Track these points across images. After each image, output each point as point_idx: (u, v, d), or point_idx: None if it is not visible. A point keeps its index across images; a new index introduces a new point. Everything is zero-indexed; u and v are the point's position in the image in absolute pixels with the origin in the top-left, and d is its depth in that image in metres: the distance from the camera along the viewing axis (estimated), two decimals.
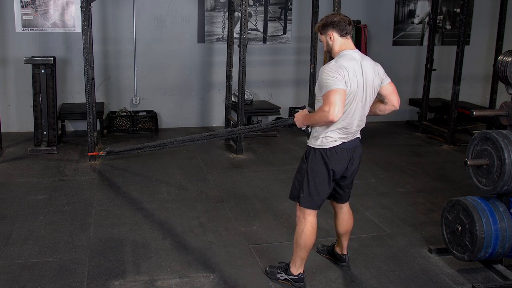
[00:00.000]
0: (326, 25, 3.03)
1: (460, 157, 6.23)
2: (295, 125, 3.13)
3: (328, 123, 2.91)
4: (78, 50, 6.65)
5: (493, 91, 7.61)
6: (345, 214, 3.41)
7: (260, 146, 6.65)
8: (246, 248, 3.81)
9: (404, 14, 8.22)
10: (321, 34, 3.09)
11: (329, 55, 3.14)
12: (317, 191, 3.12)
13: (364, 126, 3.15)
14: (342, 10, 6.38)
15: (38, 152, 6.08)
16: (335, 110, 2.79)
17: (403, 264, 3.63)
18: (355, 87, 2.93)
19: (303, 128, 3.12)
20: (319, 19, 7.08)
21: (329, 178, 3.12)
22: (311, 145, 3.12)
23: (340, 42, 3.03)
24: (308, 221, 3.17)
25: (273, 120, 3.61)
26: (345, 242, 3.51)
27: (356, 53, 3.02)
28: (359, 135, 3.17)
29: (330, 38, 3.04)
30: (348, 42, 3.05)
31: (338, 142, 3.05)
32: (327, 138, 3.04)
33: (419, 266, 3.60)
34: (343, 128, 3.03)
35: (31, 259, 3.56)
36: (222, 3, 7.50)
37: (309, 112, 3.09)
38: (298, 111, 3.22)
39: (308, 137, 3.17)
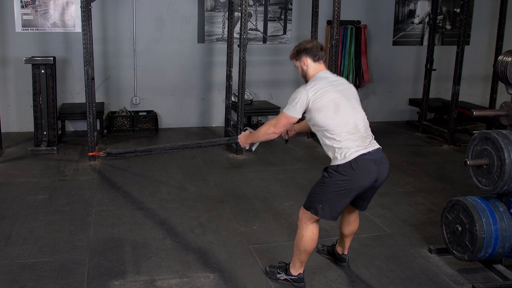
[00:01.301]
0: (300, 52, 3.20)
1: (460, 157, 6.23)
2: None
3: (270, 135, 3.20)
4: (78, 50, 6.66)
5: (493, 91, 7.61)
6: (352, 216, 3.40)
7: (260, 146, 6.59)
8: (246, 248, 3.81)
9: (404, 14, 8.22)
10: (296, 60, 3.25)
11: (304, 79, 3.27)
12: (337, 204, 3.06)
13: (370, 131, 3.14)
14: (342, 10, 6.39)
15: (38, 152, 6.08)
16: (277, 126, 3.15)
17: (403, 264, 3.63)
18: (333, 96, 3.04)
19: (247, 148, 3.44)
20: (319, 19, 7.12)
21: (352, 193, 3.04)
22: (334, 163, 3.04)
23: (313, 67, 3.19)
24: (309, 228, 3.15)
25: (227, 138, 4.26)
26: (348, 242, 3.51)
27: (328, 73, 3.21)
28: (378, 145, 3.11)
29: (304, 63, 3.20)
30: (321, 66, 3.20)
31: (359, 152, 2.98)
32: (344, 149, 2.98)
33: (419, 266, 3.60)
34: (350, 130, 3.00)
35: (31, 259, 3.56)
36: (222, 3, 7.50)
37: (250, 132, 3.41)
38: (243, 130, 3.53)
39: (250, 152, 3.47)
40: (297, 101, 3.05)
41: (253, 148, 3.46)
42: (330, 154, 3.07)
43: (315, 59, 3.17)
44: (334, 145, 3.02)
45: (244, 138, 3.42)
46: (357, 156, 2.97)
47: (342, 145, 2.99)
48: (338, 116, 3.01)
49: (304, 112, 3.11)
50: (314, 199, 3.10)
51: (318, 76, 3.15)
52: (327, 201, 3.05)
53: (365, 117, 3.14)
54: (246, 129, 3.50)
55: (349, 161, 2.97)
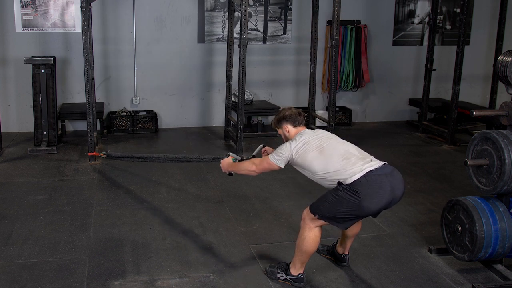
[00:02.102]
0: (280, 120, 3.38)
1: (460, 157, 6.23)
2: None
3: (251, 173, 3.35)
4: (78, 50, 6.65)
5: (493, 91, 7.61)
6: None
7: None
8: (246, 248, 3.81)
9: (404, 14, 8.22)
10: (278, 128, 3.42)
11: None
12: (346, 221, 3.08)
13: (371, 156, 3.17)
14: (342, 10, 6.38)
15: (38, 152, 6.08)
16: (258, 170, 3.30)
17: (403, 264, 3.63)
18: (316, 142, 3.16)
19: (227, 173, 3.56)
20: (319, 19, 7.12)
21: (364, 214, 3.04)
22: (344, 184, 3.02)
23: (294, 132, 3.34)
24: (312, 230, 3.15)
25: (213, 156, 4.51)
26: (349, 243, 3.52)
27: (307, 130, 3.35)
28: (384, 162, 3.11)
29: (286, 130, 3.36)
30: (301, 130, 3.34)
31: (366, 169, 2.98)
32: (349, 174, 2.98)
33: (419, 266, 3.60)
34: (344, 159, 3.03)
35: (31, 259, 3.56)
36: (222, 3, 7.50)
37: (234, 159, 3.56)
38: (225, 156, 3.63)
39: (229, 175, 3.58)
40: (282, 153, 3.19)
41: (233, 174, 3.57)
42: (328, 184, 3.12)
43: (295, 124, 3.34)
44: (339, 176, 3.01)
45: (226, 165, 3.55)
46: (365, 173, 2.97)
47: (345, 172, 2.99)
48: (325, 154, 3.09)
49: (288, 163, 3.24)
50: (322, 208, 3.08)
51: (299, 134, 3.29)
52: (335, 215, 3.05)
53: (356, 147, 3.21)
54: (229, 155, 3.61)
55: (359, 178, 2.96)
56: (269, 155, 3.28)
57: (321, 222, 3.11)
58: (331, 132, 3.40)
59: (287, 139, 3.36)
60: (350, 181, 2.97)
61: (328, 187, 3.14)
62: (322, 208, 3.08)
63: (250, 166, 3.34)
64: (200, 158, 4.78)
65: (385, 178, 2.99)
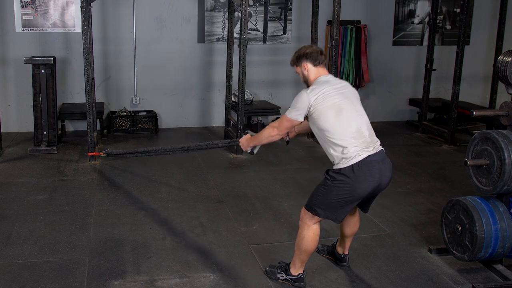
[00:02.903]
0: (300, 57, 3.22)
1: (460, 157, 6.23)
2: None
3: (273, 137, 3.23)
4: (78, 50, 6.65)
5: (493, 91, 7.61)
6: (354, 216, 3.40)
7: (260, 146, 6.63)
8: (246, 248, 3.81)
9: (404, 14, 8.22)
10: (296, 66, 3.26)
11: (306, 85, 3.26)
12: (341, 209, 3.06)
13: (375, 136, 3.13)
14: (342, 10, 6.39)
15: (38, 152, 6.08)
16: (280, 129, 3.18)
17: (403, 264, 3.63)
18: (336, 99, 3.04)
19: (248, 151, 3.45)
20: (319, 19, 7.12)
21: (354, 200, 3.04)
22: (335, 168, 3.03)
23: (314, 72, 3.19)
24: (311, 228, 3.15)
25: (228, 140, 4.33)
26: (348, 242, 3.51)
27: (330, 76, 3.21)
28: (382, 148, 3.11)
29: (305, 69, 3.20)
30: (322, 70, 3.20)
31: (363, 155, 2.97)
32: (346, 155, 2.97)
33: (419, 266, 3.60)
34: (354, 135, 3.00)
35: (31, 259, 3.56)
36: (222, 3, 7.50)
37: (252, 135, 3.42)
38: (244, 134, 3.52)
39: (250, 154, 3.47)
40: (299, 105, 3.06)
41: (255, 151, 3.46)
42: (333, 158, 3.06)
43: (316, 63, 3.18)
44: (337, 149, 3.00)
45: (246, 141, 3.43)
46: (360, 160, 2.96)
47: (345, 150, 2.98)
48: (341, 119, 3.00)
49: (306, 117, 3.12)
50: (315, 201, 3.10)
51: (320, 80, 3.15)
52: (329, 205, 3.05)
53: (369, 122, 3.14)
54: (247, 133, 3.49)
55: (352, 165, 2.96)
56: (286, 112, 3.13)
57: (318, 218, 3.12)
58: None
59: (305, 79, 3.23)
60: (344, 165, 2.97)
61: (324, 147, 3.10)
62: (315, 201, 3.09)
63: (271, 131, 3.21)
64: (214, 144, 4.50)
65: (377, 165, 3.00)
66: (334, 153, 3.03)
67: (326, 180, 3.06)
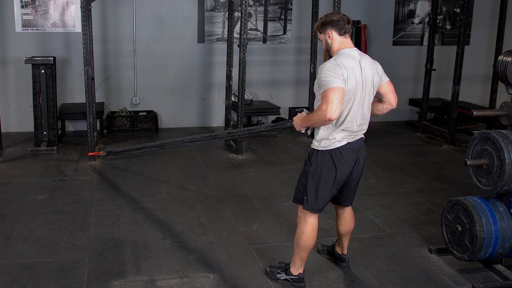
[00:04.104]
0: (325, 24, 3.05)
1: (460, 157, 6.23)
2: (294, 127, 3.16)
3: (326, 122, 2.90)
4: (78, 50, 6.66)
5: (493, 91, 7.61)
6: (347, 215, 3.41)
7: (260, 146, 6.65)
8: (246, 248, 3.81)
9: (404, 14, 8.22)
10: (320, 33, 3.10)
11: (328, 54, 3.14)
12: (320, 193, 3.10)
13: (367, 125, 3.13)
14: (342, 10, 6.38)
15: (38, 152, 6.08)
16: (332, 108, 2.79)
17: (403, 264, 3.63)
18: (353, 84, 2.93)
19: (302, 131, 3.12)
20: (319, 19, 7.11)
21: (334, 181, 3.08)
22: (315, 148, 3.09)
23: (339, 41, 3.04)
24: (309, 223, 3.17)
25: (273, 122, 3.75)
26: (345, 242, 3.51)
27: (355, 51, 3.03)
28: (362, 135, 3.15)
29: (329, 37, 3.05)
30: (347, 40, 3.05)
31: (343, 143, 3.03)
32: (331, 140, 3.03)
33: (419, 266, 3.60)
34: (346, 127, 3.01)
35: (31, 259, 3.56)
36: (222, 3, 7.50)
37: (307, 114, 3.09)
38: (298, 111, 3.24)
39: (308, 138, 3.14)
40: (335, 75, 2.84)
41: (309, 132, 3.10)
42: (317, 134, 3.06)
43: (341, 32, 3.02)
44: (327, 131, 3.02)
45: (299, 120, 3.09)
46: (340, 146, 3.03)
47: (333, 135, 3.02)
48: (346, 108, 2.96)
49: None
50: (299, 190, 3.18)
51: (344, 52, 2.98)
52: (310, 191, 3.10)
53: (369, 110, 3.11)
54: (303, 110, 3.24)
55: (330, 150, 3.03)
56: (324, 89, 2.82)
57: (314, 213, 3.16)
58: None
59: (328, 47, 3.07)
60: (325, 147, 3.02)
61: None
62: (298, 191, 3.18)
63: (321, 108, 2.82)
64: (251, 130, 3.85)
65: (352, 153, 3.07)
66: (321, 131, 3.04)
67: (305, 167, 3.13)
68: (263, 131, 3.74)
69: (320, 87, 2.90)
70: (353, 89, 2.94)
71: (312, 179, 3.09)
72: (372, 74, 3.04)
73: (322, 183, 3.08)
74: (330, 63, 2.92)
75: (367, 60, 3.05)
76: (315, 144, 3.09)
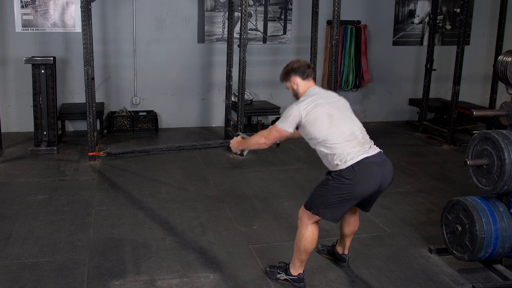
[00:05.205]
0: (289, 72, 3.29)
1: (460, 157, 6.23)
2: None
3: (260, 146, 3.31)
4: (78, 50, 6.65)
5: (493, 91, 7.61)
6: (353, 216, 3.41)
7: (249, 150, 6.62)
8: (246, 248, 3.81)
9: (404, 14, 8.22)
10: (286, 81, 3.32)
11: (296, 98, 3.30)
12: (338, 209, 3.07)
13: (368, 136, 3.16)
14: (342, 10, 6.38)
15: (38, 152, 6.08)
16: (268, 140, 3.24)
17: (403, 264, 3.63)
18: (326, 108, 3.09)
19: (238, 153, 3.56)
20: (319, 19, 7.12)
21: (354, 200, 3.05)
22: (336, 169, 3.04)
23: (303, 85, 3.25)
24: (310, 228, 3.16)
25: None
26: (348, 242, 3.52)
27: (319, 88, 3.28)
28: (380, 150, 3.14)
29: (295, 83, 3.27)
30: (310, 83, 3.27)
31: (362, 155, 3.01)
32: (344, 156, 3.00)
33: (419, 266, 3.60)
34: (345, 141, 3.02)
35: (31, 259, 3.56)
36: (222, 3, 7.50)
37: (243, 138, 3.50)
38: (235, 135, 3.59)
39: (242, 157, 3.55)
40: (289, 116, 3.11)
41: (244, 154, 3.54)
42: (331, 164, 3.08)
43: (304, 77, 3.25)
44: (334, 153, 3.02)
45: (236, 143, 3.51)
46: (359, 160, 2.99)
47: (342, 151, 3.01)
48: (333, 126, 3.05)
49: (297, 128, 3.16)
50: (315, 201, 3.11)
51: (309, 92, 3.22)
52: (329, 205, 3.05)
53: (361, 125, 3.19)
54: (239, 135, 3.56)
55: (351, 165, 2.98)
56: (276, 122, 3.19)
57: (317, 218, 3.13)
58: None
59: (295, 93, 3.29)
60: (343, 166, 2.99)
61: (321, 155, 3.13)
62: (315, 201, 3.11)
63: (259, 139, 3.27)
64: (208, 144, 4.60)
65: (377, 167, 3.04)
66: (330, 157, 3.05)
67: (327, 180, 3.08)
68: (209, 147, 4.65)
69: (282, 117, 3.18)
70: (326, 110, 3.08)
71: (332, 193, 3.03)
72: (340, 98, 3.27)
73: (343, 198, 3.03)
74: (294, 105, 3.14)
75: (331, 93, 3.33)
76: (335, 168, 3.05)
